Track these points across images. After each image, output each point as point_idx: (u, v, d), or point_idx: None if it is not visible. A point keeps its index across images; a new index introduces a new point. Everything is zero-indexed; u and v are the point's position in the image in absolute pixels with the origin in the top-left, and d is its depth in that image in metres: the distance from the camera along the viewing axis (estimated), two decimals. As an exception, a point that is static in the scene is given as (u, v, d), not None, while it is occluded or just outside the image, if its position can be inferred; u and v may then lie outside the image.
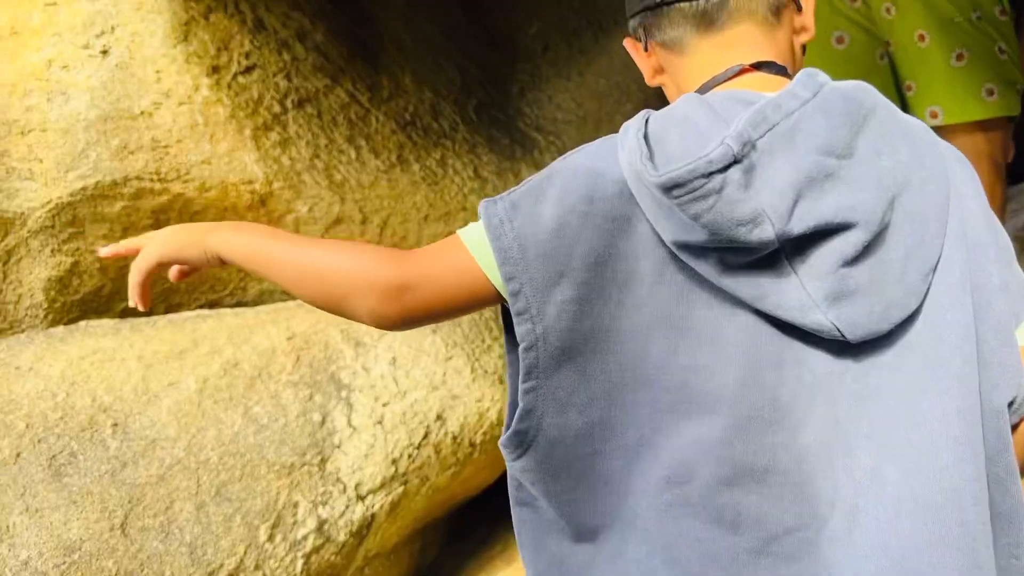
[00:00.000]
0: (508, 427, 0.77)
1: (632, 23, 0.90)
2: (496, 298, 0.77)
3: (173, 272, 0.95)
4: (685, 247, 0.70)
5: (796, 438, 0.70)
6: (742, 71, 0.81)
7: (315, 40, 2.31)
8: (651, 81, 0.92)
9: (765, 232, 0.67)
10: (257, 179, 2.07)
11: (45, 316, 1.88)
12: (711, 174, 0.66)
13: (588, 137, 2.65)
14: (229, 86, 2.14)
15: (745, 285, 0.69)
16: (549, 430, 0.74)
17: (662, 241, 0.72)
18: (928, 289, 0.72)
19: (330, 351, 1.86)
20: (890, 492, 0.69)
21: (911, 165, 0.73)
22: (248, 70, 2.19)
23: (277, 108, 2.17)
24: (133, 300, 0.94)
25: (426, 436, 1.81)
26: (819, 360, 0.71)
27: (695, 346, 0.71)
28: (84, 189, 1.89)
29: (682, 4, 0.82)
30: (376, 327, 0.83)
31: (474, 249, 0.76)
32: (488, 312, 2.18)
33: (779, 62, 0.82)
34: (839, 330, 0.68)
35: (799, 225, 0.67)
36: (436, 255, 0.81)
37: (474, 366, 1.92)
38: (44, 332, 1.80)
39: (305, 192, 2.14)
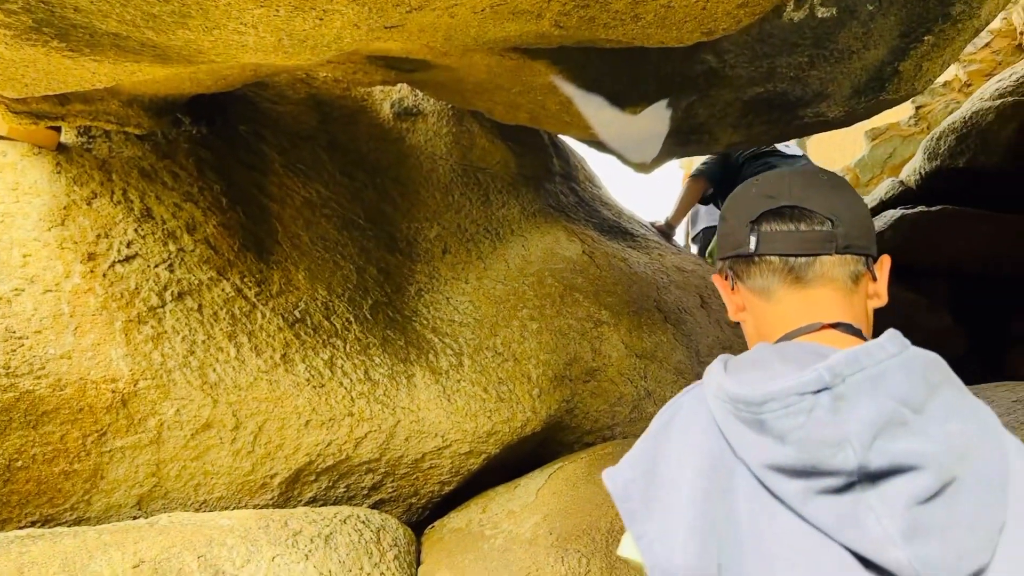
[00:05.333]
0: None
1: (721, 263, 1.00)
2: None
3: None
4: (773, 469, 0.76)
5: None
6: (822, 328, 0.90)
7: (205, 232, 2.22)
8: (734, 316, 1.00)
9: (848, 459, 0.72)
10: (121, 377, 1.88)
11: None
12: (804, 394, 0.75)
13: (485, 340, 2.63)
14: (105, 275, 2.00)
15: (826, 515, 0.73)
16: None
17: (751, 474, 0.78)
18: (995, 550, 0.72)
19: (182, 583, 1.61)
20: None
21: (976, 437, 0.76)
22: (128, 259, 2.06)
23: (155, 300, 2.03)
24: None
25: None
26: None
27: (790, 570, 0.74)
28: (-90, 383, 1.65)
29: (773, 258, 0.93)
30: None
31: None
32: (368, 534, 1.99)
33: (854, 324, 0.90)
34: (917, 570, 0.69)
35: (876, 460, 0.72)
36: None
37: (350, 602, 1.71)
38: None
39: (174, 392, 1.95)
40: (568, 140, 3.84)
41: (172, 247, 2.14)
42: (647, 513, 0.81)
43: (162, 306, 2.03)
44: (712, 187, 3.78)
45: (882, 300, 0.96)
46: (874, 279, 0.95)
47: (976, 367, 3.43)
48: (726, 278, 0.99)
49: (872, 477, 0.72)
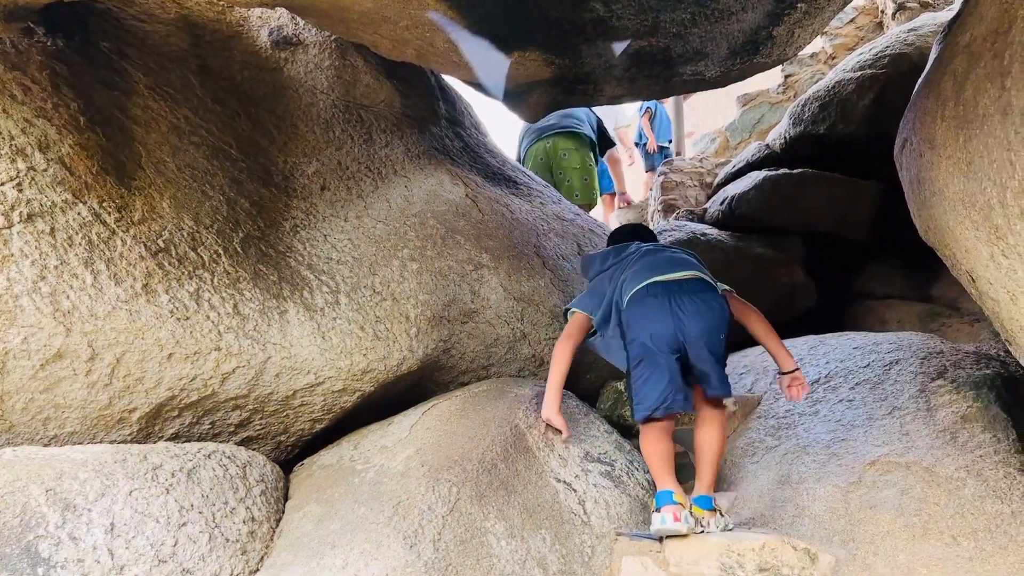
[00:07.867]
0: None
1: None
2: None
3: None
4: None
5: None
6: None
7: (60, 152, 2.06)
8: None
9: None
10: (-41, 301, 1.73)
11: None
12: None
13: (363, 279, 2.59)
14: (-61, 190, 1.82)
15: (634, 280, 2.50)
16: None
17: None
18: (684, 269, 2.44)
19: (28, 516, 1.52)
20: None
21: (684, 256, 2.54)
22: (-32, 175, 1.88)
23: (0, 221, 1.88)
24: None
25: (144, 622, 1.50)
26: (661, 285, 2.39)
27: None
28: None
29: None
30: None
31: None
32: (233, 469, 1.94)
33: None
34: (661, 281, 2.39)
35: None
36: None
37: (213, 534, 1.67)
38: None
39: (21, 319, 1.82)
40: (456, 86, 3.79)
41: (21, 165, 1.97)
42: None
43: (8, 227, 1.88)
44: None
45: None
46: None
47: (823, 318, 3.71)
48: None
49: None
